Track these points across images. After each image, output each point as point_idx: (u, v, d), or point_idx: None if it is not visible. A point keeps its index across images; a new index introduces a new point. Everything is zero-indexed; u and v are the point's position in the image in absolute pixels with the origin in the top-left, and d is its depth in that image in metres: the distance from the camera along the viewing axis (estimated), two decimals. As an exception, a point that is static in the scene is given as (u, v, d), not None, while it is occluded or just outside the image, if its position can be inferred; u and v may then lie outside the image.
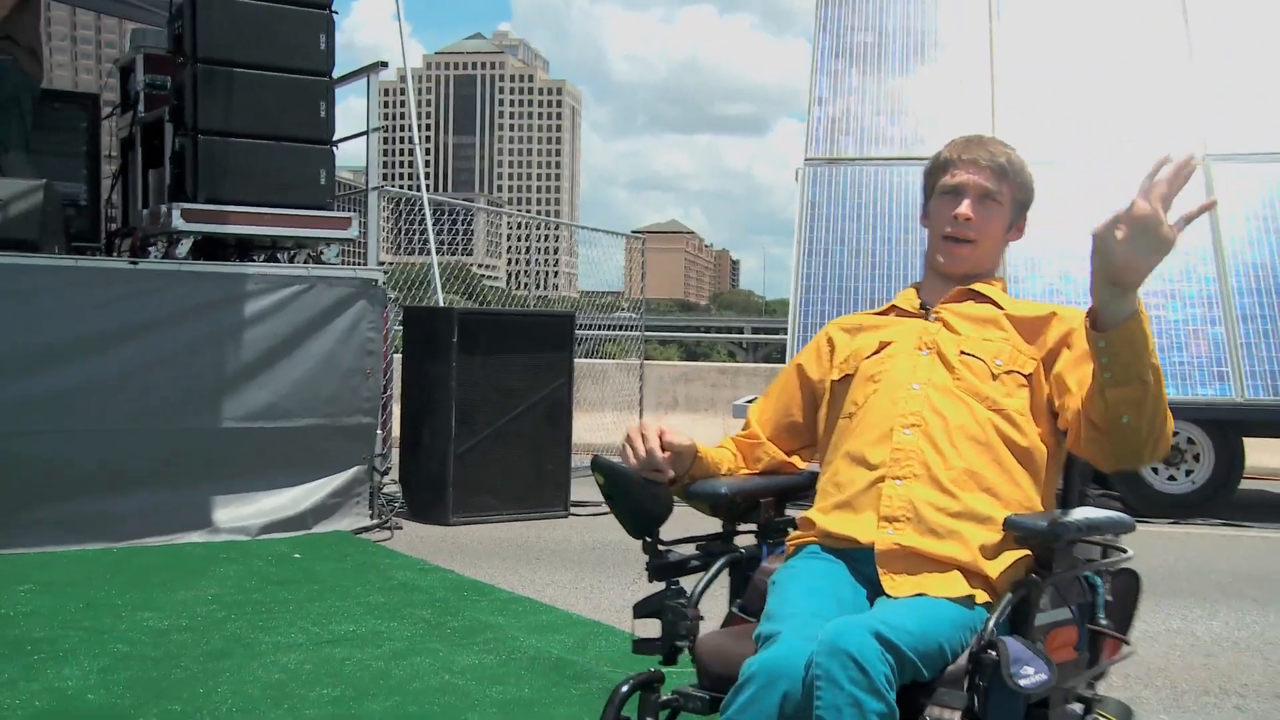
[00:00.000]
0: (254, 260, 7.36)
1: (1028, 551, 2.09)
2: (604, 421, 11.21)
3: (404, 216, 13.64)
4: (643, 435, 2.27)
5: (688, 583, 2.25)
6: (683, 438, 2.31)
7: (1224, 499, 8.37)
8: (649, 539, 2.24)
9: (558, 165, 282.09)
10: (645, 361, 12.38)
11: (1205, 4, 9.70)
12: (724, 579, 2.39)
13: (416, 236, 13.68)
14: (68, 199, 7.77)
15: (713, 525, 2.45)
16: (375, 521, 7.11)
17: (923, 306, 2.45)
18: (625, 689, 2.12)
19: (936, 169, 2.47)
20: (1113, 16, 9.87)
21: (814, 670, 1.80)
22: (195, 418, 6.54)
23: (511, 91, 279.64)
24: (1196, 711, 3.91)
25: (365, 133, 7.64)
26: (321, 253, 7.28)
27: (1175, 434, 8.18)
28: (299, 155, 7.01)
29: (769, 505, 2.46)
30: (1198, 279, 8.52)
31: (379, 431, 7.36)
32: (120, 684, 3.90)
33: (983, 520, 2.12)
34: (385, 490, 7.80)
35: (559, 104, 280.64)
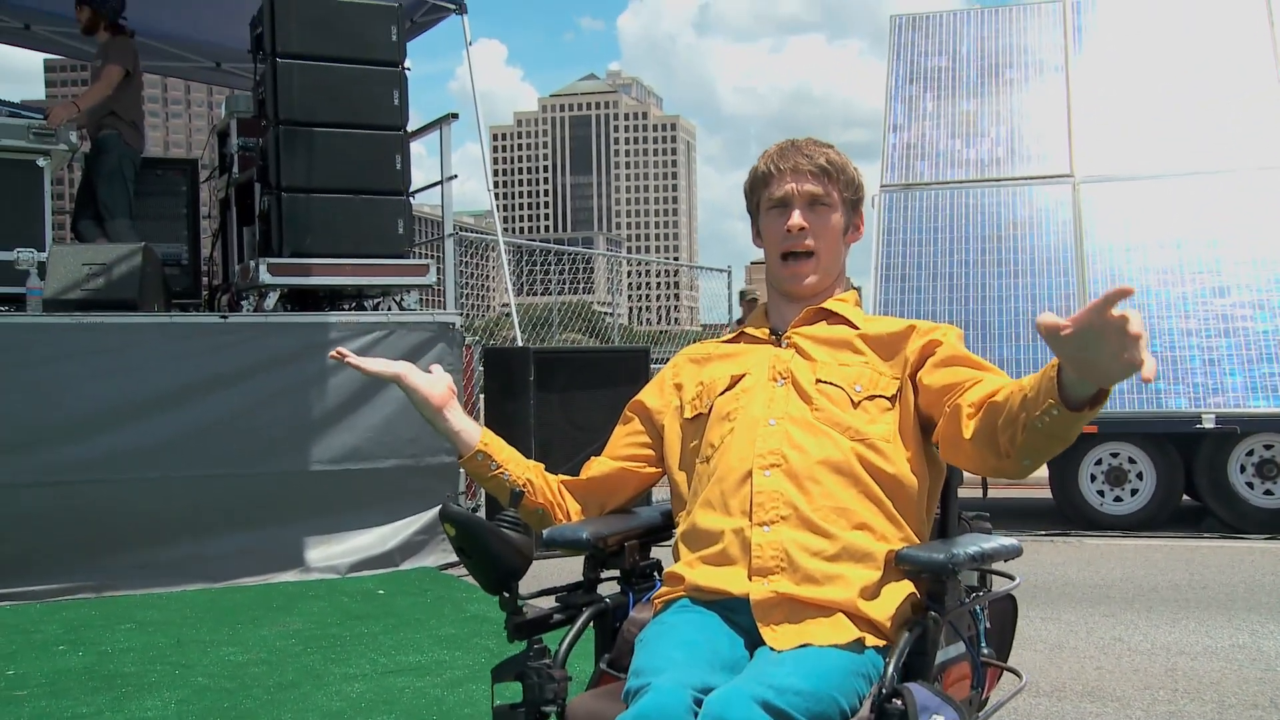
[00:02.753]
0: (343, 308, 7.72)
1: (912, 588, 1.99)
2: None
3: (524, 261, 14.15)
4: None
5: (551, 640, 2.09)
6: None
7: (1325, 512, 8.14)
8: (506, 594, 2.04)
9: (675, 200, 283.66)
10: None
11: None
12: (588, 634, 2.20)
13: (539, 279, 14.17)
14: (169, 259, 8.25)
15: (572, 573, 2.27)
16: (461, 557, 7.33)
17: (773, 332, 2.30)
18: None
19: (757, 185, 2.32)
20: (1195, 33, 9.71)
21: None
22: (285, 462, 6.87)
23: (626, 130, 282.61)
24: (1236, 725, 3.88)
25: (440, 182, 7.93)
26: (402, 299, 7.59)
27: (1270, 447, 8.06)
28: (376, 207, 7.35)
29: (633, 549, 2.29)
30: (1288, 288, 8.34)
31: (461, 468, 7.60)
32: (194, 714, 4.17)
33: (861, 558, 1.99)
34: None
35: (674, 139, 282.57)
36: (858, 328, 2.23)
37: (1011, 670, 2.21)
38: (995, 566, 2.10)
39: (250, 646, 5.19)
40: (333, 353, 2.37)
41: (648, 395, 2.41)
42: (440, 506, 2.04)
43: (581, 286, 15.51)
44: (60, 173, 7.79)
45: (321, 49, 7.20)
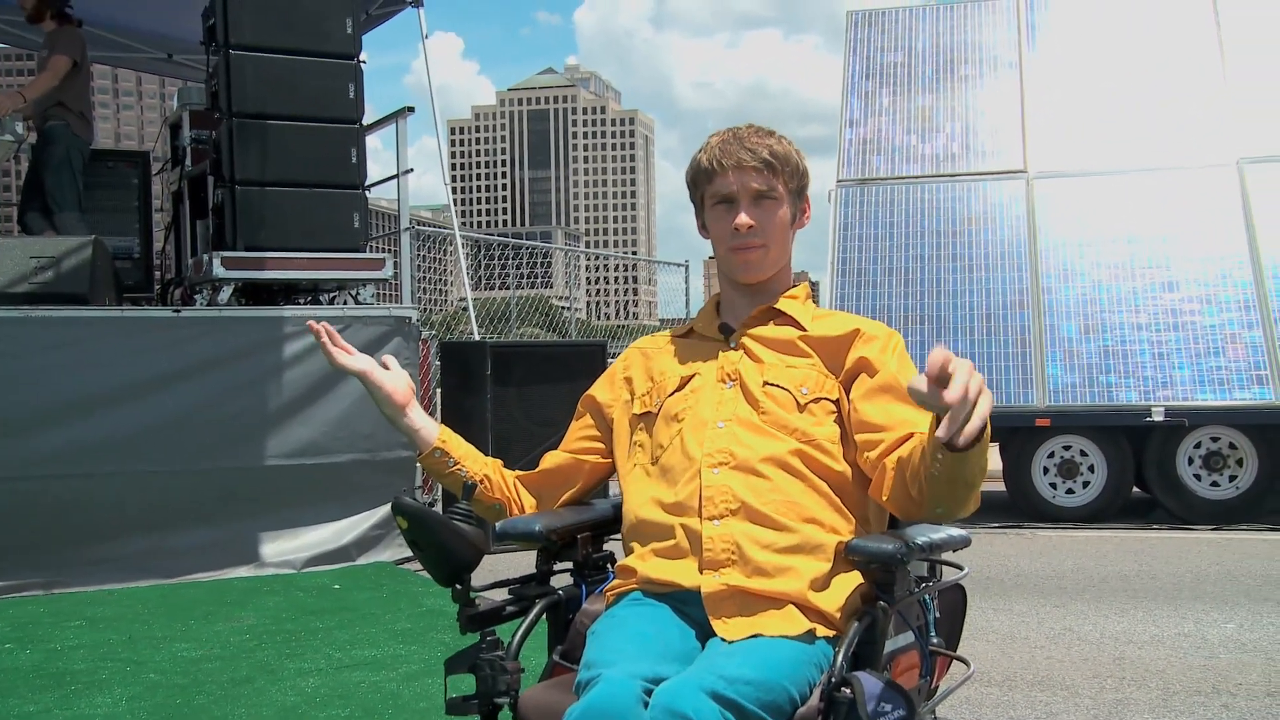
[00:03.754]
0: (298, 302, 7.66)
1: (862, 579, 1.99)
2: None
3: (482, 255, 14.13)
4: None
5: (504, 632, 2.09)
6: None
7: (1270, 503, 8.29)
8: (459, 586, 2.04)
9: (633, 194, 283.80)
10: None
11: (1236, 6, 9.65)
12: (540, 626, 2.21)
13: (496, 273, 14.15)
14: (120, 253, 8.16)
15: (525, 565, 2.27)
16: (417, 552, 7.30)
17: (723, 328, 2.30)
18: None
19: (699, 179, 2.28)
20: (1143, 26, 9.85)
21: None
22: (240, 457, 6.81)
23: (585, 124, 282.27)
24: (1182, 711, 3.93)
25: (396, 176, 7.90)
26: (357, 293, 7.55)
27: (1216, 439, 8.18)
28: (332, 201, 7.30)
29: (586, 541, 2.30)
30: (1234, 283, 8.47)
31: (420, 464, 7.58)
32: (145, 710, 4.13)
33: (811, 550, 2.01)
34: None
35: (632, 134, 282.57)
36: (805, 329, 2.23)
37: (960, 659, 2.23)
38: (944, 557, 2.12)
39: (204, 642, 5.15)
40: (312, 323, 2.34)
41: (599, 389, 2.43)
42: (393, 500, 2.04)
43: (540, 281, 15.50)
44: (6, 164, 7.69)
45: (275, 41, 7.13)
